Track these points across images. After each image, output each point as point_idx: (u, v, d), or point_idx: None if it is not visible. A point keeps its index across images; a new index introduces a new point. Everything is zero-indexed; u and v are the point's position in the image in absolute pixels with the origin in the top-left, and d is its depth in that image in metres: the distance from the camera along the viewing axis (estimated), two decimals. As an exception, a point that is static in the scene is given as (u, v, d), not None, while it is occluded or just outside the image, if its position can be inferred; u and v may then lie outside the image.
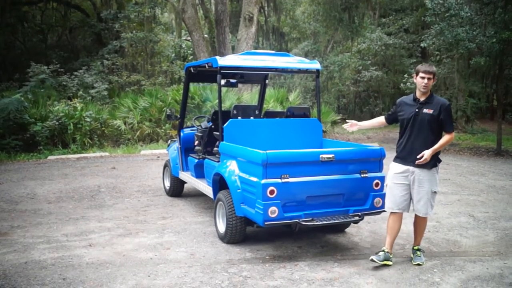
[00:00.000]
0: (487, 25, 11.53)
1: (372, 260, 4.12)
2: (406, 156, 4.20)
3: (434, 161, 4.16)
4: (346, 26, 19.10)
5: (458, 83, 17.30)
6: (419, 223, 4.37)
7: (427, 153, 4.03)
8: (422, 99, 4.18)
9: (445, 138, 4.15)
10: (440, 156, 4.31)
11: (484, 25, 11.71)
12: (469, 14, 11.33)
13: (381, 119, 4.68)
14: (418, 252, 4.34)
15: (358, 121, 4.86)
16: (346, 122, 4.81)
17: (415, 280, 3.90)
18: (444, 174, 9.14)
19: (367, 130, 19.14)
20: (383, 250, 4.22)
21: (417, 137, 4.14)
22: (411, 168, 4.16)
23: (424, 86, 4.12)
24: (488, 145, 14.39)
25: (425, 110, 4.13)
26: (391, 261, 4.21)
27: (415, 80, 4.22)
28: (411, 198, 4.25)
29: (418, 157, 4.06)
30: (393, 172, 4.28)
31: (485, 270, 4.13)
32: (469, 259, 4.42)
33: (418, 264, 4.22)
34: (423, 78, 4.11)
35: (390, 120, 4.53)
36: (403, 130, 4.27)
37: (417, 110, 4.16)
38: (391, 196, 4.27)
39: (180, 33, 20.88)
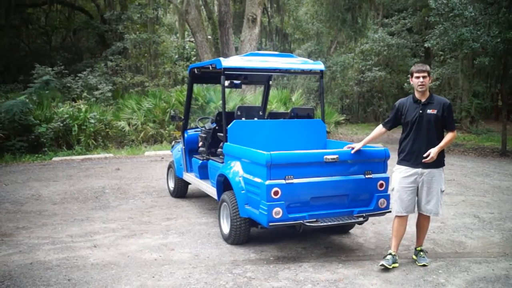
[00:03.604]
0: (491, 25, 11.48)
1: (382, 265, 4.09)
2: (413, 158, 4.17)
3: (441, 160, 4.19)
4: (349, 27, 19.07)
5: (462, 83, 17.26)
6: (423, 223, 4.36)
7: (433, 151, 4.03)
8: (423, 99, 4.17)
9: (449, 136, 4.16)
10: (444, 157, 4.32)
11: (488, 25, 11.66)
12: (473, 14, 11.29)
13: (380, 130, 4.52)
14: (421, 253, 4.33)
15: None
16: (349, 144, 4.66)
17: (420, 281, 3.89)
18: (449, 174, 9.10)
19: (370, 131, 19.11)
20: (391, 254, 4.20)
21: (423, 138, 4.13)
22: (419, 170, 4.14)
23: (420, 85, 4.11)
24: (493, 145, 14.34)
25: (429, 111, 4.13)
26: (397, 263, 4.21)
27: (411, 82, 4.23)
28: (416, 200, 4.25)
29: (424, 155, 4.06)
30: (401, 175, 4.23)
31: (491, 271, 4.11)
32: (474, 260, 4.40)
33: (424, 265, 4.21)
34: (418, 77, 4.12)
35: (390, 127, 4.43)
36: (407, 132, 4.23)
37: (421, 111, 4.15)
38: (400, 200, 4.23)
39: (183, 34, 20.90)
